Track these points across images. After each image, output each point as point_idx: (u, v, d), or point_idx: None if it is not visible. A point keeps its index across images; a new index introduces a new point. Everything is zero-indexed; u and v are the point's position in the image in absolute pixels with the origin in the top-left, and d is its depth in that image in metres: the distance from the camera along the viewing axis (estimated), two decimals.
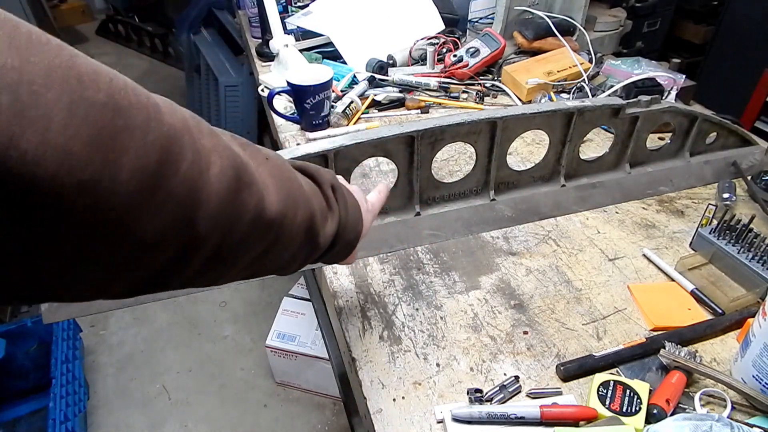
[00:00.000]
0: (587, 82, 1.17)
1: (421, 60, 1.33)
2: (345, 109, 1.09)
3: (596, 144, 1.04)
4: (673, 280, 0.74)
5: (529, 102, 1.17)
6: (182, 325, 1.91)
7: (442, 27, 1.40)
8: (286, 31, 1.29)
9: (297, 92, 1.03)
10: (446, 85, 1.23)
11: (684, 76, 1.12)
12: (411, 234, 0.74)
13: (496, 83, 1.24)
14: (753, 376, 0.56)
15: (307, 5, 1.43)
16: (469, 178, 0.73)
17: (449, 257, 0.78)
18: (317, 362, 1.52)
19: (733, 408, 0.56)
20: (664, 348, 0.60)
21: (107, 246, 0.24)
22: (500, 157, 0.72)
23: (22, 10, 2.70)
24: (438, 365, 0.62)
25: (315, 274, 1.00)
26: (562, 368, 0.60)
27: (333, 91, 1.10)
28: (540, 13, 1.29)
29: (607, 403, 0.55)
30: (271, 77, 1.28)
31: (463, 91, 1.22)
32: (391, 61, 1.30)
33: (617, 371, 0.61)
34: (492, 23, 1.35)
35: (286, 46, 1.22)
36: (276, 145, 1.22)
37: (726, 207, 0.83)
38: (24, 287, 0.23)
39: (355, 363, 0.63)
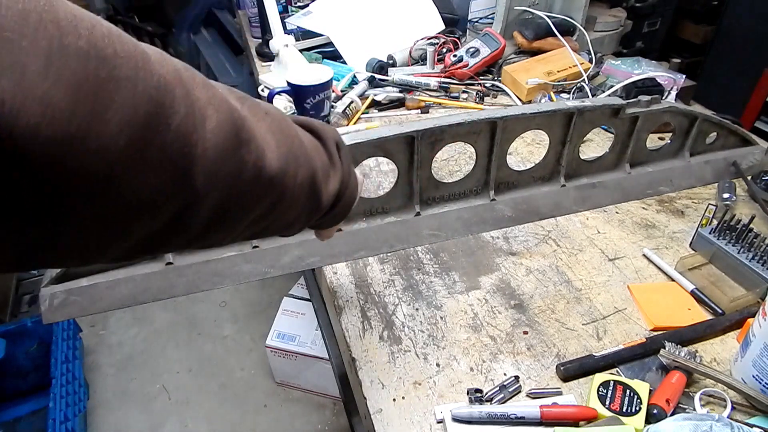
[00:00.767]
0: (587, 82, 1.16)
1: (421, 60, 1.33)
2: (345, 109, 1.09)
3: (596, 144, 1.04)
4: (673, 280, 0.74)
5: (529, 102, 1.17)
6: (182, 325, 1.91)
7: (442, 27, 1.40)
8: (286, 31, 1.29)
9: (297, 92, 1.03)
10: (446, 85, 1.23)
11: (684, 76, 1.13)
12: (411, 234, 0.74)
13: (496, 83, 1.24)
14: (753, 376, 0.56)
15: (307, 5, 1.43)
16: (469, 178, 0.73)
17: (449, 257, 0.78)
18: (317, 362, 1.52)
19: (733, 408, 0.56)
20: (664, 348, 0.60)
21: (99, 206, 0.23)
22: (500, 157, 0.72)
23: None
24: (438, 365, 0.62)
25: (315, 274, 1.00)
26: (562, 368, 0.60)
27: (333, 91, 1.10)
28: (540, 13, 1.29)
29: (607, 403, 0.55)
30: (271, 77, 1.28)
31: (463, 91, 1.22)
32: (391, 61, 1.30)
33: (617, 371, 0.61)
34: (492, 23, 1.35)
35: (286, 46, 1.22)
36: None
37: (726, 207, 0.83)
38: (12, 251, 0.22)
39: (355, 363, 0.63)
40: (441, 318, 0.68)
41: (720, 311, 0.68)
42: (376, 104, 1.17)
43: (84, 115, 0.20)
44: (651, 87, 1.05)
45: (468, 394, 0.58)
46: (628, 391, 0.56)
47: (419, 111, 1.15)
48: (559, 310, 0.69)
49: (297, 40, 1.35)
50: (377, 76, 1.22)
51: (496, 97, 1.21)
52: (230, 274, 0.66)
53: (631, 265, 0.76)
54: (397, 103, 1.18)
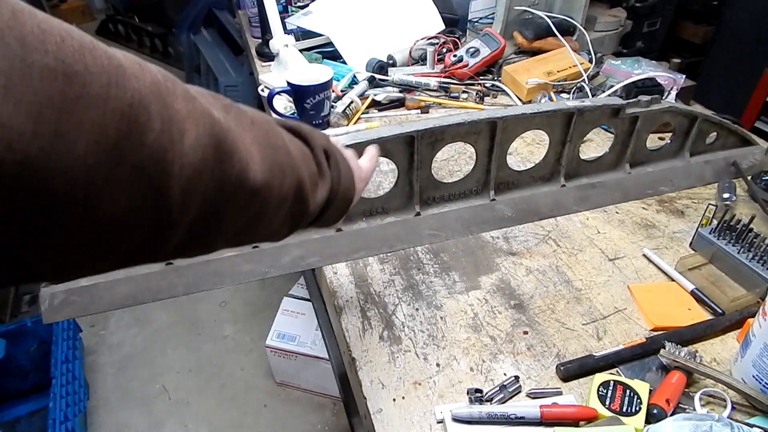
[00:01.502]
0: (587, 82, 1.16)
1: (421, 60, 1.33)
2: (345, 109, 1.09)
3: (596, 144, 1.04)
4: (673, 280, 0.74)
5: (529, 102, 1.17)
6: (182, 325, 1.91)
7: (442, 27, 1.40)
8: (286, 31, 1.29)
9: (297, 92, 1.03)
10: (446, 85, 1.23)
11: (684, 76, 1.12)
12: (411, 234, 0.74)
13: (496, 83, 1.24)
14: (753, 376, 0.56)
15: (307, 5, 1.43)
16: (469, 178, 0.73)
17: (449, 257, 0.78)
18: (317, 362, 1.52)
19: (733, 408, 0.56)
20: (664, 348, 0.60)
21: (72, 226, 0.22)
22: (500, 157, 0.72)
23: None
24: (438, 365, 0.62)
25: (315, 274, 1.00)
26: (562, 368, 0.60)
27: (333, 91, 1.10)
28: (540, 13, 1.29)
29: (607, 403, 0.55)
30: (271, 77, 1.28)
31: (463, 91, 1.22)
32: (391, 61, 1.30)
33: (617, 371, 0.61)
34: (492, 23, 1.35)
35: (286, 46, 1.22)
36: None
37: (726, 207, 0.83)
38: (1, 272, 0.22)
39: (355, 363, 0.63)
40: (441, 318, 0.68)
41: (720, 311, 0.68)
42: (376, 104, 1.17)
43: (47, 136, 0.20)
44: (651, 87, 1.05)
45: (468, 394, 0.58)
46: (628, 391, 0.56)
47: (419, 111, 1.15)
48: (559, 310, 0.69)
49: (297, 40, 1.35)
50: (377, 76, 1.22)
51: (496, 97, 1.21)
52: (230, 274, 0.66)
53: (631, 265, 0.76)
54: (397, 103, 1.18)
